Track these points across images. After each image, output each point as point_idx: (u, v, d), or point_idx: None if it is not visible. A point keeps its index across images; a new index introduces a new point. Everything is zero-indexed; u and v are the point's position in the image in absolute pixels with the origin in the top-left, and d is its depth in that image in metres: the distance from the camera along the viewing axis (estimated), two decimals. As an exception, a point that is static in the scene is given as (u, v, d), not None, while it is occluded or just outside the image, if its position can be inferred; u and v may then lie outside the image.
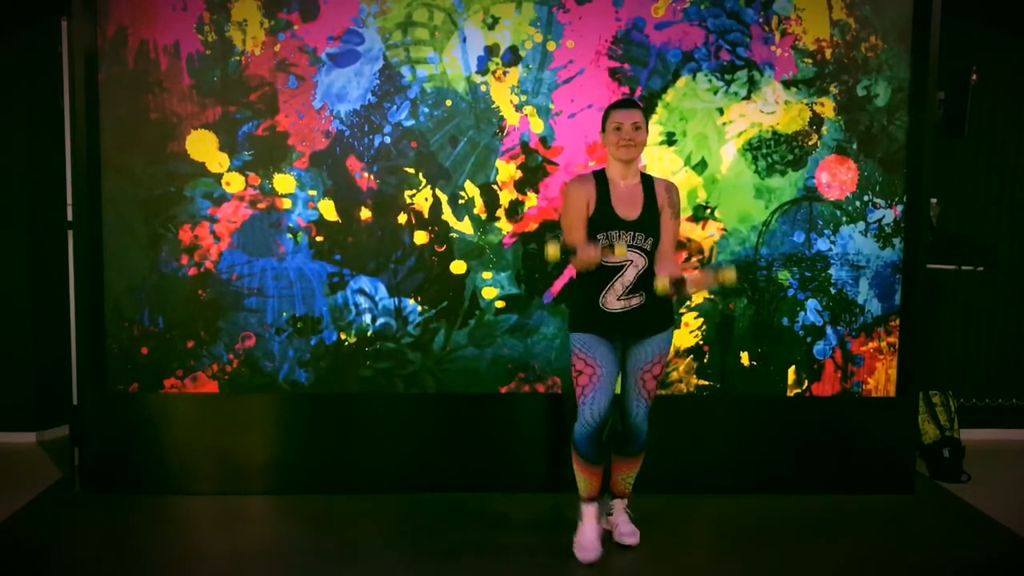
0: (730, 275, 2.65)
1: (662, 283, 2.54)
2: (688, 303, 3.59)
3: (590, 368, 2.83)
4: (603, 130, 2.85)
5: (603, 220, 2.79)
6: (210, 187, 3.51)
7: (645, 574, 2.85)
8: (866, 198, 3.61)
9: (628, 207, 2.81)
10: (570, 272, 3.41)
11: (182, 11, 3.44)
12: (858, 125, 3.59)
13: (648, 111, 3.52)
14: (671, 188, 2.92)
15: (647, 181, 2.88)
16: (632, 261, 2.79)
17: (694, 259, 3.59)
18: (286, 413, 3.60)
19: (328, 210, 3.53)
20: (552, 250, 2.63)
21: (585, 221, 2.82)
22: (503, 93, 3.51)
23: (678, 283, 2.62)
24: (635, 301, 2.83)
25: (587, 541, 2.93)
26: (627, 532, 3.08)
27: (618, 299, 2.82)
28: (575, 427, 2.87)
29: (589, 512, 2.96)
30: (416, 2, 3.47)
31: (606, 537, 3.05)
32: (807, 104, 3.57)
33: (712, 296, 3.60)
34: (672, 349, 3.56)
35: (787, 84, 3.55)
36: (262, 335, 3.56)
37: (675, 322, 2.71)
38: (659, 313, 2.87)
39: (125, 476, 3.59)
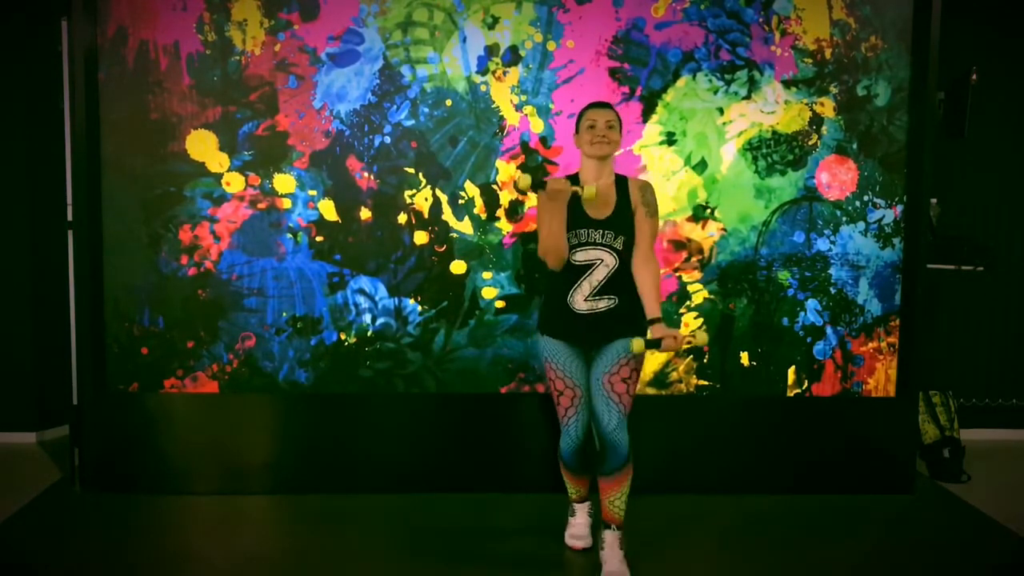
0: (702, 337, 2.68)
1: (638, 344, 2.58)
2: (688, 303, 3.60)
3: (570, 391, 2.86)
4: (577, 131, 2.83)
5: (573, 220, 2.77)
6: (210, 187, 3.51)
7: (645, 574, 2.84)
8: (866, 198, 3.62)
9: (599, 207, 2.78)
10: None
11: (182, 11, 3.44)
12: (858, 125, 3.59)
13: (648, 111, 3.53)
14: (645, 187, 2.85)
15: (621, 181, 2.85)
16: (602, 260, 2.78)
17: (694, 259, 3.59)
18: (286, 413, 3.60)
19: (328, 210, 3.53)
20: (523, 180, 2.58)
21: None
22: (503, 93, 3.51)
23: (653, 344, 2.64)
24: (602, 304, 2.79)
25: (578, 530, 3.11)
26: (616, 573, 2.79)
27: (585, 299, 2.79)
28: (560, 443, 2.95)
29: (580, 508, 3.14)
30: (416, 2, 3.47)
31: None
32: (807, 104, 3.57)
33: (712, 296, 3.61)
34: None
35: (787, 84, 3.55)
36: (262, 335, 3.56)
37: (644, 330, 2.71)
38: (627, 321, 2.78)
39: (125, 476, 3.59)
